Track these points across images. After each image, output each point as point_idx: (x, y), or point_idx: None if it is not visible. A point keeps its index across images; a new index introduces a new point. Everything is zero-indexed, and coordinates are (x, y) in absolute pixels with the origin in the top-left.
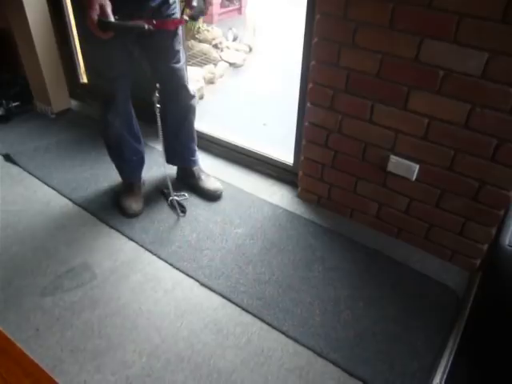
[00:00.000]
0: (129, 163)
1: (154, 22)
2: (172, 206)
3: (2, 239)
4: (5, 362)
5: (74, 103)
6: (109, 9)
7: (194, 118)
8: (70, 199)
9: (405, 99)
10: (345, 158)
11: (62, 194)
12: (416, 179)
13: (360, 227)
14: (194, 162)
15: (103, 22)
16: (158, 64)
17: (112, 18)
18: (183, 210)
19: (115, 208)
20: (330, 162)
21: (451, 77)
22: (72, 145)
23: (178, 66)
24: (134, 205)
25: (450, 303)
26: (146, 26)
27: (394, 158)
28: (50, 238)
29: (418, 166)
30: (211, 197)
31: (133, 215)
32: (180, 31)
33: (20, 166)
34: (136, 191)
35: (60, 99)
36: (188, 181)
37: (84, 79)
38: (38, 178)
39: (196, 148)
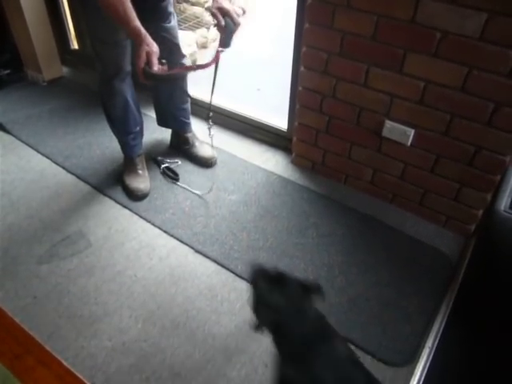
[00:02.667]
0: (132, 135)
1: (194, 66)
2: (164, 173)
3: None
4: None
5: (65, 70)
6: (155, 58)
7: (187, 78)
8: (63, 167)
9: (400, 62)
10: (339, 123)
11: (55, 163)
12: (411, 144)
13: (354, 193)
14: (188, 125)
15: (148, 74)
16: (151, 24)
17: (156, 67)
18: (176, 177)
19: (117, 183)
20: (325, 128)
21: (448, 39)
22: (64, 112)
23: (170, 25)
24: (142, 185)
25: (444, 268)
26: (187, 74)
27: (389, 123)
28: (45, 207)
29: (413, 131)
30: (205, 164)
31: (142, 197)
32: None
33: (13, 135)
34: (140, 168)
35: (51, 66)
36: (182, 148)
37: (75, 45)
38: (31, 146)
39: (189, 111)
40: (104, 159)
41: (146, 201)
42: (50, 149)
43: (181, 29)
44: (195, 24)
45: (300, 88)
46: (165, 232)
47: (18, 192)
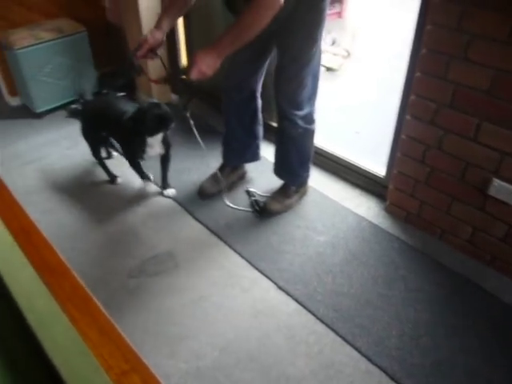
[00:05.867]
0: (226, 145)
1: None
2: (252, 206)
3: (99, 220)
4: (107, 345)
5: (174, 97)
6: (145, 47)
7: (296, 150)
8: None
9: None
10: (441, 175)
11: (154, 184)
12: None
13: (449, 250)
14: (289, 182)
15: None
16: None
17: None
18: (261, 211)
19: (209, 210)
20: (425, 179)
21: None
22: None
23: (287, 88)
24: (208, 185)
25: None
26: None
27: (496, 182)
28: (141, 224)
29: None
30: (258, 211)
31: (200, 193)
32: (316, 57)
33: (120, 154)
34: (220, 175)
35: (162, 93)
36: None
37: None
38: None
39: (297, 174)
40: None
41: (235, 230)
42: (150, 170)
43: None
44: None
45: (403, 136)
46: (250, 264)
47: (119, 206)
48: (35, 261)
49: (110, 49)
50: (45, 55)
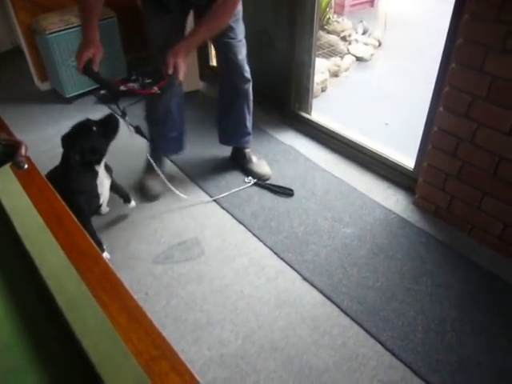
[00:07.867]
0: (167, 138)
1: (124, 88)
2: (277, 192)
3: (123, 205)
4: (137, 330)
5: (202, 84)
6: (98, 58)
7: (247, 103)
8: (188, 176)
9: None
10: (473, 170)
11: (182, 171)
12: None
13: (478, 246)
14: (243, 143)
15: (89, 69)
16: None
17: (96, 67)
18: (291, 192)
19: (235, 198)
20: (456, 173)
21: None
22: (196, 124)
23: (231, 41)
24: (157, 186)
25: None
26: (120, 88)
27: None
28: (166, 209)
29: None
30: (259, 180)
31: (153, 198)
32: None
33: (147, 139)
34: (162, 171)
35: (190, 80)
36: (239, 162)
37: (213, 62)
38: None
39: (248, 131)
40: (225, 173)
41: (261, 220)
42: (180, 158)
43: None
44: (329, 52)
45: (435, 128)
46: (275, 254)
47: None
48: (66, 245)
49: (140, 34)
50: (75, 40)
